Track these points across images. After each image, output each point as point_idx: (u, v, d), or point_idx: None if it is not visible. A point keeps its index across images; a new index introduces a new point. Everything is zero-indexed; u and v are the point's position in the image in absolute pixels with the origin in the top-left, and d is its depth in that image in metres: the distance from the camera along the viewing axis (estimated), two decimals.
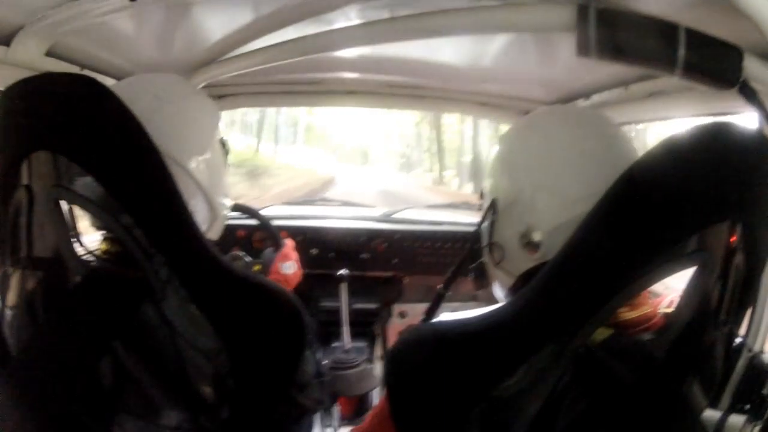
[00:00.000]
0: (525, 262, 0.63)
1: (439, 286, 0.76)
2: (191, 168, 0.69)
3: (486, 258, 0.70)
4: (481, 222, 0.69)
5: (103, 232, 0.69)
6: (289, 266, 1.11)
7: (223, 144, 0.77)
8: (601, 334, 0.52)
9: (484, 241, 0.69)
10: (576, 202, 0.57)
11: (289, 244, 1.16)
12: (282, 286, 1.00)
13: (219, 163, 0.75)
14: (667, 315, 0.58)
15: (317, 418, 1.39)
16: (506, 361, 0.52)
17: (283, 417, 0.74)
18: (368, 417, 0.69)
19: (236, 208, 1.17)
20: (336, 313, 1.48)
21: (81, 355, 0.58)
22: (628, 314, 0.56)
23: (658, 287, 0.57)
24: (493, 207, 0.65)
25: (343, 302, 1.47)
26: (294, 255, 1.14)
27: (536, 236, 0.60)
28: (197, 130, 0.72)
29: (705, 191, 0.49)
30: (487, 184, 0.70)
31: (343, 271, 1.49)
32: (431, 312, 0.77)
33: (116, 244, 0.67)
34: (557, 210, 0.59)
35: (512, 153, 0.67)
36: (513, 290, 0.66)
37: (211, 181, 0.72)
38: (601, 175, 0.55)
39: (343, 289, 1.49)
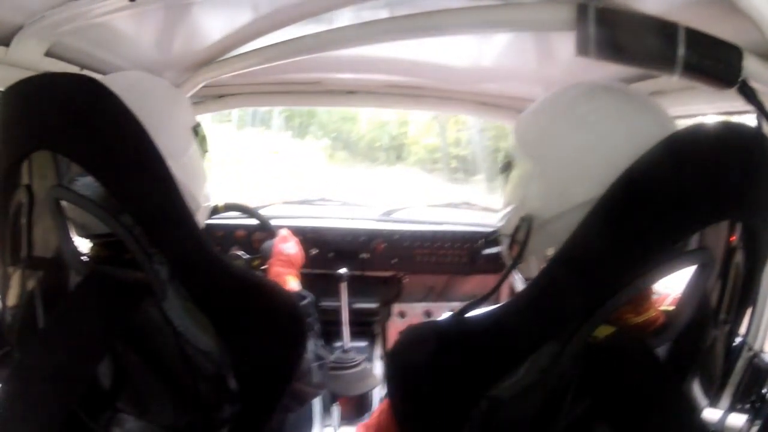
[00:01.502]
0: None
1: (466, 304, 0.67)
2: (170, 163, 0.64)
3: (505, 256, 0.67)
4: (515, 235, 0.61)
5: (92, 238, 0.69)
6: (290, 246, 1.10)
7: (196, 132, 0.75)
8: (603, 331, 0.52)
9: (506, 247, 0.65)
10: None
11: (282, 231, 1.16)
12: (288, 269, 1.01)
13: (193, 155, 0.74)
14: (667, 313, 0.58)
15: (317, 418, 1.39)
16: (507, 359, 0.52)
17: (284, 409, 0.74)
18: (374, 413, 0.69)
19: (234, 207, 1.17)
20: (336, 312, 1.49)
21: (82, 357, 0.58)
22: (634, 319, 0.57)
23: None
24: (528, 224, 0.58)
25: (343, 302, 1.47)
26: (292, 237, 1.13)
27: None
28: (170, 123, 0.71)
29: (705, 190, 0.49)
30: (509, 193, 0.64)
31: (342, 270, 1.49)
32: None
33: (106, 249, 0.67)
34: None
35: (544, 168, 0.58)
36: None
37: (186, 173, 0.70)
38: None
39: (343, 289, 1.49)
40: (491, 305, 0.57)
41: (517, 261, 0.60)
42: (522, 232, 0.59)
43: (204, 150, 0.77)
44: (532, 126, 0.63)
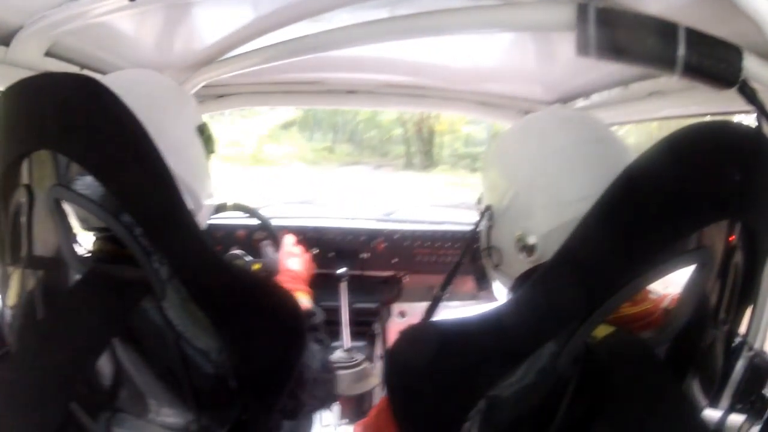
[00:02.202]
0: (522, 264, 0.63)
1: (436, 290, 0.76)
2: (170, 161, 0.63)
3: (485, 260, 0.70)
4: (477, 226, 0.69)
5: (94, 232, 0.69)
6: (295, 262, 1.09)
7: (201, 131, 0.75)
8: (602, 331, 0.52)
9: (482, 244, 0.69)
10: (571, 204, 0.57)
11: (288, 240, 1.15)
12: (297, 285, 1.02)
13: (197, 153, 0.74)
14: (666, 312, 0.58)
15: (317, 418, 1.39)
16: (506, 359, 0.52)
17: (285, 414, 0.74)
18: (371, 413, 0.69)
19: (236, 207, 1.17)
20: (336, 312, 1.49)
21: (80, 355, 0.58)
22: (629, 309, 0.57)
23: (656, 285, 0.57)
24: (487, 212, 0.66)
25: (343, 301, 1.47)
26: (296, 249, 1.13)
27: (531, 239, 0.61)
28: (172, 121, 0.70)
29: (704, 190, 0.49)
30: (482, 187, 0.70)
31: (342, 270, 1.49)
32: (429, 314, 0.77)
33: (109, 244, 0.67)
34: (552, 213, 0.59)
35: (506, 157, 0.68)
36: (513, 291, 0.66)
37: (188, 171, 0.70)
38: (596, 177, 0.55)
39: (343, 288, 1.49)
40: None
41: (471, 248, 0.70)
42: (484, 222, 0.68)
43: (210, 150, 0.77)
44: (503, 144, 0.71)
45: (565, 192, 0.59)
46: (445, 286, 0.75)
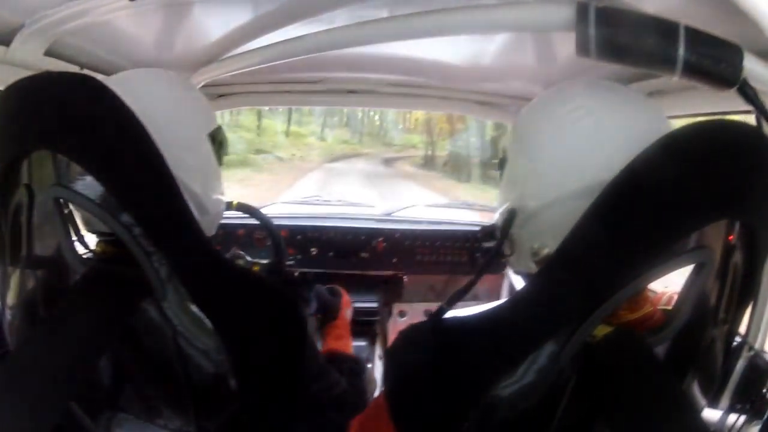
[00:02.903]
0: (529, 267, 0.61)
1: (442, 304, 0.70)
2: (174, 165, 0.62)
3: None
4: (499, 230, 0.63)
5: (98, 234, 0.69)
6: (350, 313, 1.17)
7: (213, 139, 0.74)
8: (601, 331, 0.52)
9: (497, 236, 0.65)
10: None
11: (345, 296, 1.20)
12: (347, 333, 1.09)
13: (207, 160, 0.73)
14: (666, 312, 0.58)
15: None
16: (506, 359, 0.52)
17: (298, 411, 0.74)
18: (369, 409, 0.69)
19: (237, 207, 1.17)
20: None
21: (80, 355, 0.58)
22: (629, 315, 0.56)
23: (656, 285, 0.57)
24: (510, 219, 0.60)
25: None
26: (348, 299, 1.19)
27: (544, 252, 0.58)
28: (181, 126, 0.70)
29: (703, 189, 0.49)
30: (503, 188, 0.66)
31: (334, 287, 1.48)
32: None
33: (112, 246, 0.67)
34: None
35: (533, 159, 0.59)
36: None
37: (197, 177, 0.70)
38: None
39: None
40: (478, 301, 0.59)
41: (496, 254, 0.63)
42: (506, 225, 0.60)
43: (221, 154, 0.76)
44: (526, 121, 0.64)
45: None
46: (473, 282, 0.66)
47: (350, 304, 1.18)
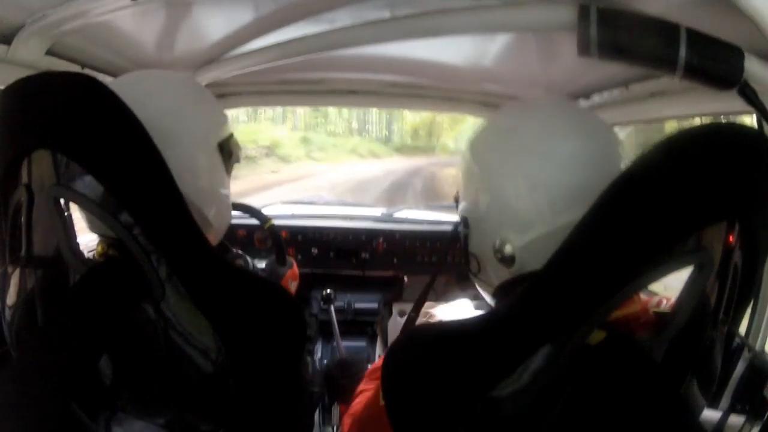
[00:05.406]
0: (501, 274, 0.62)
1: (410, 312, 0.73)
2: (175, 172, 0.60)
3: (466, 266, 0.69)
4: (455, 232, 0.67)
5: (99, 235, 0.69)
6: (294, 285, 1.16)
7: (222, 148, 0.73)
8: (599, 335, 0.52)
9: (462, 250, 0.67)
10: (554, 215, 0.56)
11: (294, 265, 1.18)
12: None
13: (212, 168, 0.72)
14: (663, 314, 0.58)
15: (317, 419, 1.39)
16: (503, 361, 0.51)
17: (296, 410, 0.73)
18: (361, 407, 0.69)
19: (236, 207, 1.17)
20: (336, 312, 1.49)
21: (80, 355, 0.58)
22: (616, 312, 0.56)
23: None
24: (464, 221, 0.64)
25: (333, 318, 1.42)
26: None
27: (509, 250, 0.59)
28: (186, 131, 0.69)
29: (703, 191, 0.49)
30: (460, 190, 0.67)
31: (328, 291, 1.46)
32: (418, 306, 0.75)
33: (112, 246, 0.67)
34: (533, 224, 0.58)
35: (484, 155, 0.63)
36: (495, 298, 0.66)
37: (198, 186, 0.69)
38: (585, 184, 0.54)
39: (332, 308, 1.45)
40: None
41: (445, 257, 0.69)
42: (461, 231, 0.64)
43: (229, 164, 0.75)
44: (480, 141, 0.65)
45: (548, 202, 0.57)
46: (418, 305, 0.73)
47: (297, 277, 1.16)
